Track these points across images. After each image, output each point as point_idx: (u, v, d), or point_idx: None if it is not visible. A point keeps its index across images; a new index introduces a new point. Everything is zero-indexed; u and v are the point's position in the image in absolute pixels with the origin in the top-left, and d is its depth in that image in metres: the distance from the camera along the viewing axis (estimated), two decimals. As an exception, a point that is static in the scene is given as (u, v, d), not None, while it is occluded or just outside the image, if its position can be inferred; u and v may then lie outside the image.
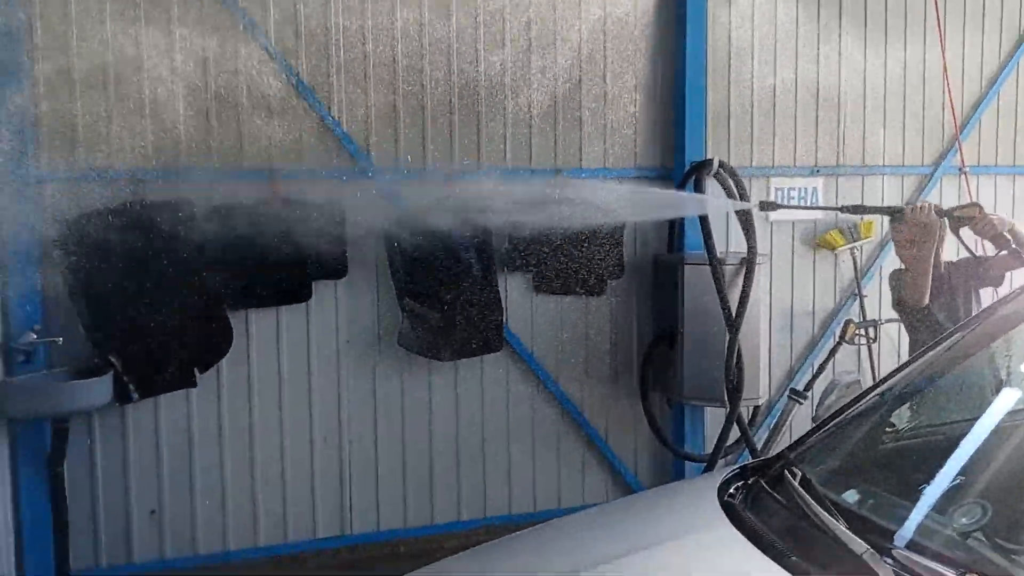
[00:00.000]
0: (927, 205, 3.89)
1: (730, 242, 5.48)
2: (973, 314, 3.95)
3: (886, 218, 6.00)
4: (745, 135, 5.65)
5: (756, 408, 5.44)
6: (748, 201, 5.07)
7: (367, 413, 4.99)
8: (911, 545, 1.81)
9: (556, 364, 5.32)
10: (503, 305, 5.02)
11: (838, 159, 5.90)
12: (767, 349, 5.32)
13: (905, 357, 4.43)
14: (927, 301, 3.97)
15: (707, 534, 2.13)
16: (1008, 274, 4.03)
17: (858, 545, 1.78)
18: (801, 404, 5.23)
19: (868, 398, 2.48)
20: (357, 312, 4.90)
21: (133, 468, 4.56)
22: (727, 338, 4.95)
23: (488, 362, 5.16)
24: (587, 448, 5.46)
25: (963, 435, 2.10)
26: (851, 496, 2.18)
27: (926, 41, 6.06)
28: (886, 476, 2.30)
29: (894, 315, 5.25)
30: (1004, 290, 4.02)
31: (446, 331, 4.82)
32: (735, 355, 4.97)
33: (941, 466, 2.05)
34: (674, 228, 5.39)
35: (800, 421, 5.23)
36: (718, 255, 4.95)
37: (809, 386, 5.43)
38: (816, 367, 5.70)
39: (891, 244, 5.97)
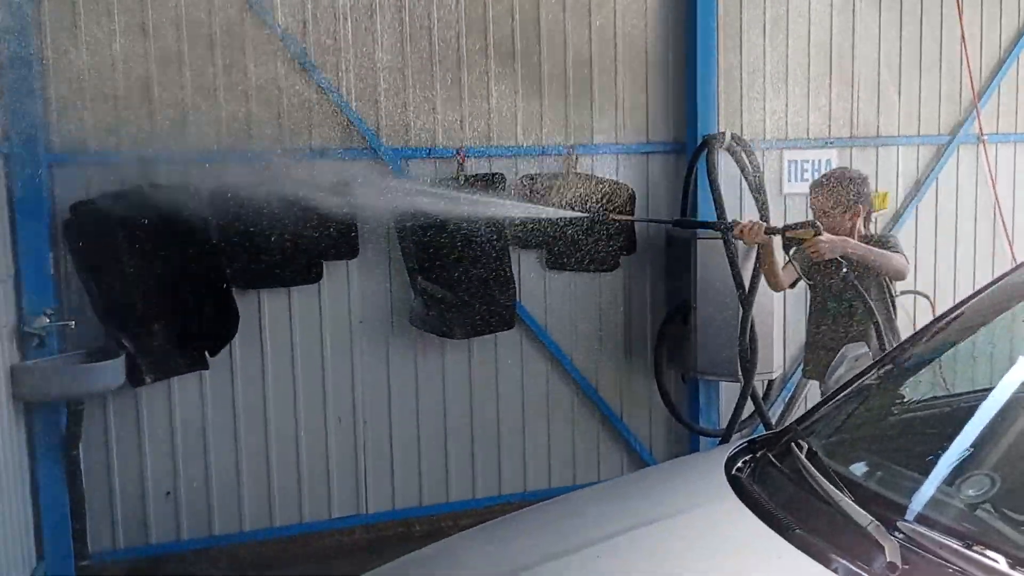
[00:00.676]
0: (756, 225, 3.83)
1: (743, 216, 5.42)
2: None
3: (901, 190, 6.01)
4: (758, 107, 5.58)
5: (770, 382, 5.42)
6: (761, 175, 5.03)
7: (381, 393, 4.99)
8: (917, 517, 1.79)
9: (570, 341, 5.30)
10: (516, 282, 5.00)
11: (852, 130, 5.82)
12: (781, 323, 5.28)
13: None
14: (783, 288, 4.21)
15: (713, 507, 2.11)
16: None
17: (863, 517, 1.76)
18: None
19: (876, 370, 2.45)
20: (370, 292, 4.89)
21: (148, 450, 4.59)
22: (740, 313, 4.91)
23: (501, 340, 5.15)
24: (602, 425, 5.45)
25: (971, 407, 2.07)
26: (858, 469, 2.16)
27: (942, 7, 5.96)
28: (894, 448, 2.27)
29: (908, 287, 5.24)
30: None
31: (459, 309, 4.81)
32: (748, 330, 4.93)
33: (949, 438, 2.02)
34: (687, 202, 5.34)
35: (815, 394, 5.19)
36: (732, 229, 4.90)
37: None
38: (831, 340, 5.65)
39: (906, 216, 5.96)
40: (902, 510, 1.83)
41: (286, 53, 4.60)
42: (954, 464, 1.93)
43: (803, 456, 2.12)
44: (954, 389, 2.47)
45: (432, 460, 5.13)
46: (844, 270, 3.80)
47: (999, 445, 1.98)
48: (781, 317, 5.30)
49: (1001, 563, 1.58)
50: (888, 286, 4.04)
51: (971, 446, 1.97)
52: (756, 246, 4.26)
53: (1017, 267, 2.56)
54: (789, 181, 5.67)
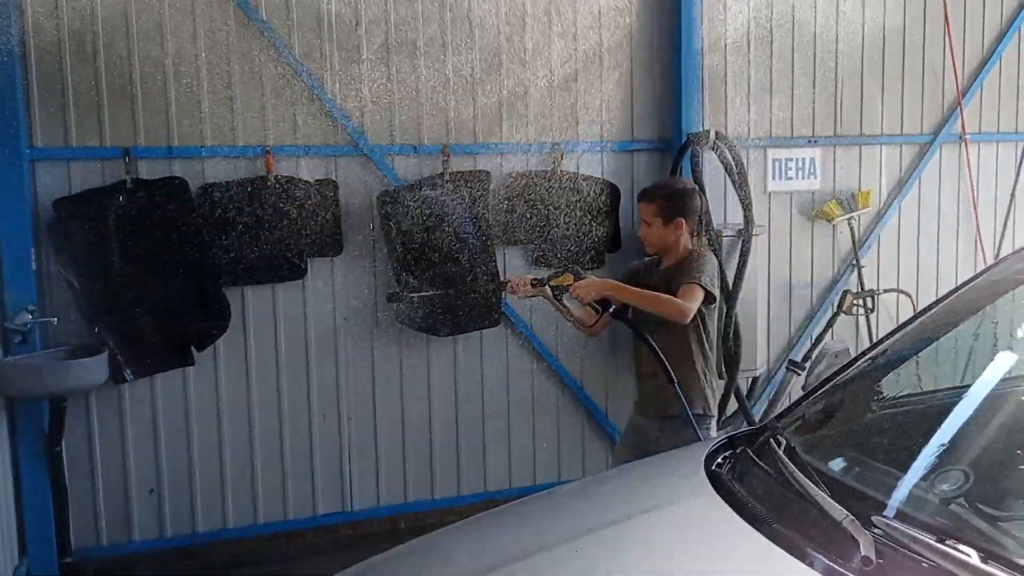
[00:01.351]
0: (522, 280, 3.80)
1: (728, 214, 5.45)
2: None
3: (884, 189, 6.05)
4: (742, 106, 5.60)
5: (755, 379, 5.44)
6: (745, 173, 5.05)
7: (366, 390, 4.99)
8: (892, 512, 1.80)
9: (554, 338, 5.31)
10: (501, 279, 5.00)
11: (836, 129, 5.85)
12: (765, 320, 5.31)
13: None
14: (598, 331, 3.98)
15: (691, 504, 2.13)
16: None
17: (839, 512, 1.78)
18: (799, 375, 5.24)
19: (855, 367, 2.47)
20: (354, 289, 4.89)
21: (132, 447, 4.58)
22: (725, 310, 4.93)
23: (487, 337, 5.15)
24: (586, 421, 5.46)
25: (947, 404, 2.09)
26: (836, 464, 2.17)
27: (926, 6, 6.00)
28: (871, 444, 2.29)
29: (892, 286, 5.24)
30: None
31: (444, 306, 4.81)
32: (733, 326, 4.96)
33: (924, 434, 2.04)
34: (671, 200, 5.35)
35: (799, 391, 5.22)
36: (715, 226, 4.93)
37: (807, 357, 5.43)
38: (814, 338, 5.69)
39: (889, 214, 6.00)
40: (878, 505, 1.85)
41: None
42: (929, 460, 1.95)
43: (781, 452, 2.13)
44: (931, 386, 2.50)
45: (417, 457, 5.13)
46: (612, 308, 3.70)
47: (973, 441, 2.00)
48: (765, 315, 5.33)
49: (973, 557, 1.60)
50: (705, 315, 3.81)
51: (946, 442, 1.99)
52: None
53: (992, 265, 2.58)
54: (773, 179, 5.70)
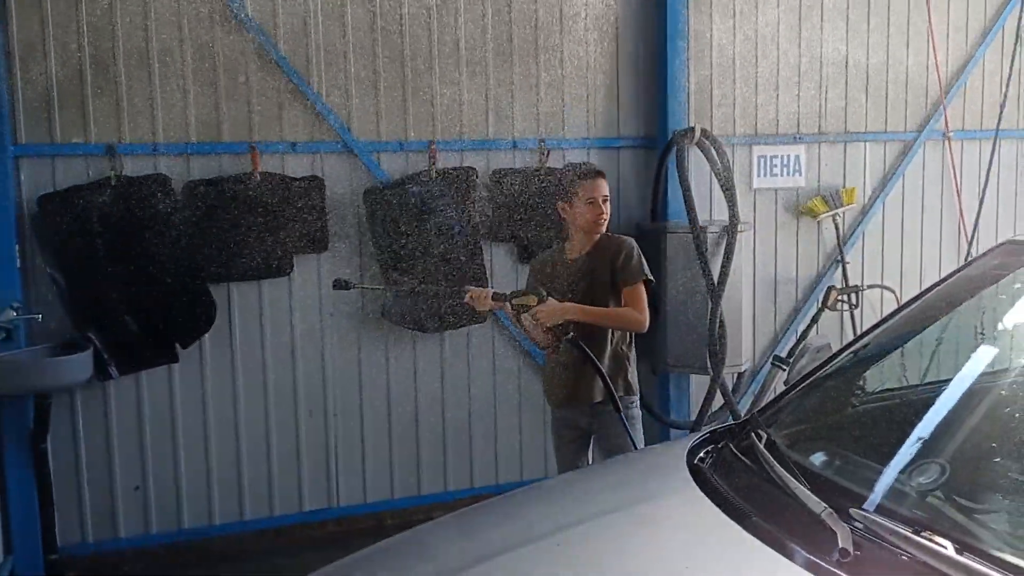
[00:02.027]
0: (484, 293, 3.72)
1: (713, 210, 5.47)
2: None
3: (869, 185, 6.08)
4: (728, 103, 5.63)
5: (740, 375, 5.47)
6: (730, 170, 5.07)
7: (352, 386, 4.99)
8: (869, 505, 1.82)
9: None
10: (488, 275, 5.01)
11: (820, 126, 5.88)
12: (751, 316, 5.34)
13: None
14: (550, 344, 3.80)
15: (673, 498, 2.14)
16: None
17: (817, 505, 1.79)
18: (785, 370, 5.25)
19: (835, 362, 2.49)
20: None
21: (117, 444, 4.57)
22: (710, 306, 4.96)
23: (474, 333, 5.16)
24: (572, 418, 5.46)
25: (925, 398, 2.11)
26: (816, 458, 2.19)
27: (910, 4, 6.03)
28: (851, 438, 2.31)
29: (876, 282, 5.26)
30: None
31: (431, 302, 4.81)
32: (718, 323, 4.99)
33: (902, 428, 2.07)
34: (657, 196, 5.38)
35: (783, 387, 5.25)
36: (700, 223, 4.95)
37: (792, 352, 5.45)
38: (799, 333, 5.72)
39: (874, 211, 6.03)
40: (856, 498, 1.86)
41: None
42: (907, 453, 1.97)
43: (762, 446, 2.15)
44: (910, 381, 2.52)
45: (403, 453, 5.14)
46: (571, 334, 3.63)
47: (950, 435, 2.02)
48: (751, 311, 5.36)
49: (949, 548, 1.61)
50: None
51: (924, 436, 2.02)
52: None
53: (971, 262, 2.61)
54: (758, 176, 5.72)
